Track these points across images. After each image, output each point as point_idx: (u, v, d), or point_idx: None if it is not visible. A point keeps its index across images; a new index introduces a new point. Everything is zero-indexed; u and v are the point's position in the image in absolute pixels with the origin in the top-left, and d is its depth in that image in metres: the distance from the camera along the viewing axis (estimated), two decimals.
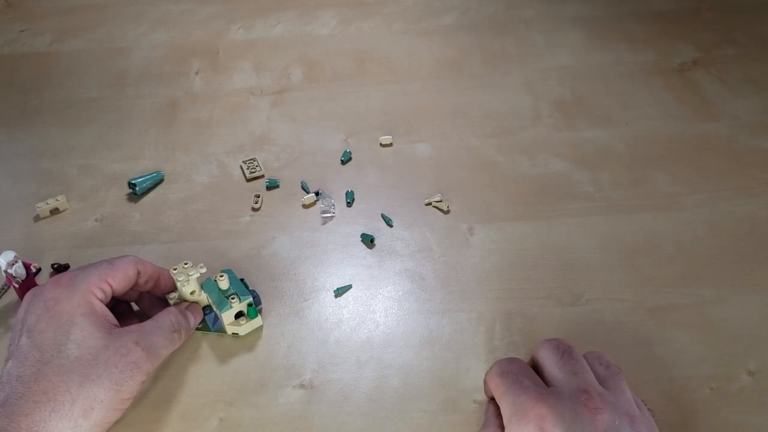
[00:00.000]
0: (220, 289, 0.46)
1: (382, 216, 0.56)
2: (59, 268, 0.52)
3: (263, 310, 0.49)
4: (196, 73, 0.71)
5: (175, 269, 0.45)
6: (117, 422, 0.41)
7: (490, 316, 0.48)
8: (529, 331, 0.47)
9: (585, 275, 0.51)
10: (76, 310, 0.40)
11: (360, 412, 0.43)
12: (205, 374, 0.45)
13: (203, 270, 0.46)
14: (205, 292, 0.47)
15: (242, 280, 0.48)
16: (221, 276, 0.46)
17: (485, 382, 0.41)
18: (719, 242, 0.53)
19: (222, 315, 0.46)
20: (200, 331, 0.47)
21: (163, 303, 0.47)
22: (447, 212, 0.56)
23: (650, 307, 0.48)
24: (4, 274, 0.48)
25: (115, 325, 0.42)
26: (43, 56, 0.74)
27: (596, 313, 0.48)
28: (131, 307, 0.49)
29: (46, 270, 0.52)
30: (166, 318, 0.44)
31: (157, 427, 0.43)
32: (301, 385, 0.45)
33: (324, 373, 0.45)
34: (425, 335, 0.47)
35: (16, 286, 0.49)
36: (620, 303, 0.49)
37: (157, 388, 0.44)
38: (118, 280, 0.43)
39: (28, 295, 0.42)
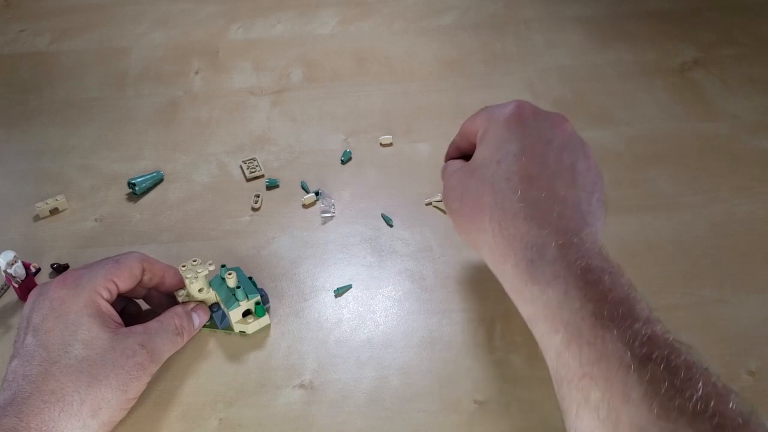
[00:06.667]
0: (228, 286, 0.46)
1: (382, 216, 0.56)
2: (59, 268, 0.52)
3: (270, 309, 0.49)
4: (196, 73, 0.71)
5: (183, 266, 0.46)
6: (118, 422, 0.41)
7: (490, 316, 0.48)
8: (529, 331, 0.47)
9: None
10: (83, 310, 0.40)
11: (360, 412, 0.43)
12: (205, 374, 0.45)
13: (212, 267, 0.46)
14: (213, 289, 0.47)
15: (250, 278, 0.48)
16: (229, 274, 0.46)
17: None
18: (719, 242, 0.53)
19: (230, 313, 0.46)
20: (207, 329, 0.48)
21: (172, 301, 0.47)
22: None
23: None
24: (3, 274, 0.48)
25: (120, 325, 0.42)
26: (43, 56, 0.74)
27: None
28: (140, 309, 0.49)
29: (46, 270, 0.52)
30: (170, 320, 0.44)
31: (157, 427, 0.43)
32: (301, 385, 0.45)
33: (324, 373, 0.45)
34: (425, 335, 0.47)
35: (16, 286, 0.49)
36: None
37: (157, 388, 0.44)
38: (124, 278, 0.43)
39: (33, 293, 0.42)
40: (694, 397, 0.29)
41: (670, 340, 0.32)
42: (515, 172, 0.39)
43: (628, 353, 0.31)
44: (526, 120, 0.42)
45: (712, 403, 0.29)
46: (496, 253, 0.39)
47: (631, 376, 0.31)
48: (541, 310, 0.36)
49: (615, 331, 0.32)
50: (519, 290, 0.37)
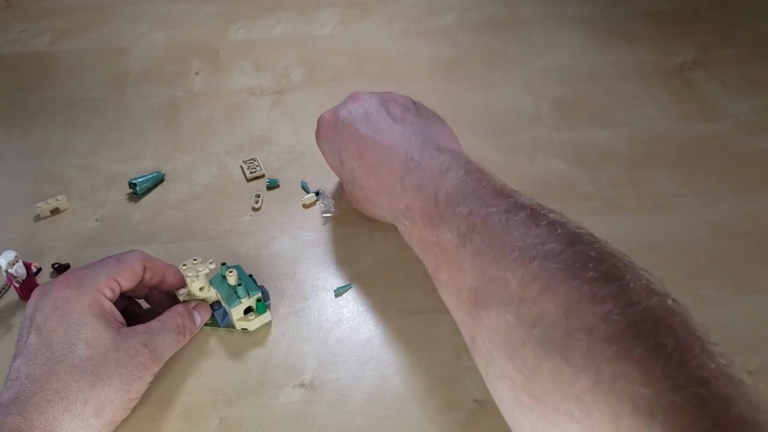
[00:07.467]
0: (229, 284, 0.46)
1: None
2: (60, 268, 0.52)
3: (271, 308, 0.49)
4: (196, 73, 0.71)
5: (184, 265, 0.46)
6: (120, 421, 0.41)
7: None
8: None
9: None
10: (87, 310, 0.40)
11: (360, 411, 0.43)
12: (206, 373, 0.45)
13: (212, 266, 0.46)
14: (214, 287, 0.47)
15: (251, 276, 0.48)
16: (230, 271, 0.46)
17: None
18: (719, 242, 0.53)
19: (231, 310, 0.46)
20: (209, 327, 0.48)
21: (173, 300, 0.47)
22: None
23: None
24: (4, 274, 0.48)
25: (122, 324, 0.42)
26: (43, 56, 0.74)
27: None
28: (142, 308, 0.49)
29: (47, 270, 0.52)
30: (172, 319, 0.44)
31: (157, 426, 0.43)
32: (301, 385, 0.45)
33: (324, 373, 0.45)
34: (425, 335, 0.47)
35: (17, 285, 0.49)
36: None
37: (158, 388, 0.44)
38: (126, 277, 0.43)
39: (36, 293, 0.42)
40: (514, 246, 0.36)
41: (488, 214, 0.39)
42: (351, 164, 0.49)
43: (456, 238, 0.39)
44: (327, 131, 0.51)
45: (530, 251, 0.35)
46: (385, 217, 0.49)
47: (460, 253, 0.39)
48: (405, 237, 0.46)
49: (444, 227, 0.40)
50: (400, 230, 0.47)
